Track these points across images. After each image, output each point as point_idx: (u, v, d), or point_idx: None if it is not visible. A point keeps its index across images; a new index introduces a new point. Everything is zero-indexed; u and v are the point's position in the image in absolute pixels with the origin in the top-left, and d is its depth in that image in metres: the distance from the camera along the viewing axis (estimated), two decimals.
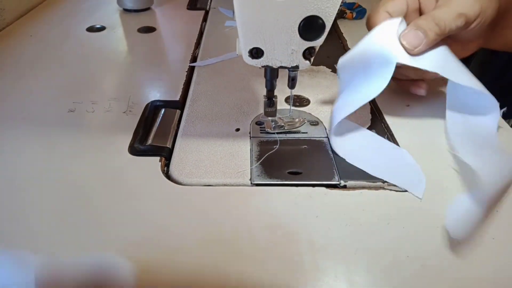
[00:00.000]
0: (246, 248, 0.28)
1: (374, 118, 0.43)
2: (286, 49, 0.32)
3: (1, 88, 0.47)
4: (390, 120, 0.42)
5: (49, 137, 0.39)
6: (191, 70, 0.52)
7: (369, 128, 0.41)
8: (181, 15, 0.70)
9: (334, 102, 0.40)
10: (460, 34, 0.37)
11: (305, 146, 0.38)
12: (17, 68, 0.51)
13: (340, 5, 0.29)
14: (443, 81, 0.39)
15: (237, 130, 0.40)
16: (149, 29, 0.63)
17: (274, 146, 0.38)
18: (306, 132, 0.40)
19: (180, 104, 0.45)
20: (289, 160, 0.36)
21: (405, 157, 0.37)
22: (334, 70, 0.52)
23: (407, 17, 0.39)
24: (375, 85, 0.36)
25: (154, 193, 0.32)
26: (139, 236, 0.29)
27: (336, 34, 0.64)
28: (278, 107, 0.38)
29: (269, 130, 0.40)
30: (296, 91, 0.46)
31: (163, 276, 0.26)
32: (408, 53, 0.36)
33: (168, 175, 0.35)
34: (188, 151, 0.37)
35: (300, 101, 0.46)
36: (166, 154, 0.37)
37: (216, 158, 0.37)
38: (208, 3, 0.76)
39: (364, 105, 0.37)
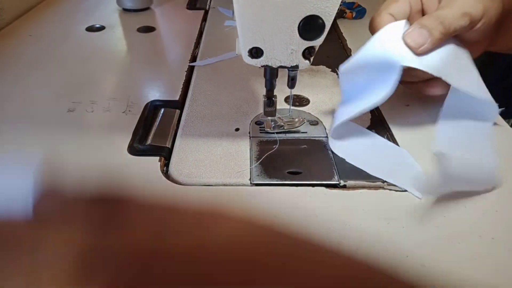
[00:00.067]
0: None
1: (374, 118, 0.43)
2: (285, 48, 0.31)
3: (0, 87, 0.47)
4: (390, 120, 0.42)
5: (48, 137, 0.39)
6: (190, 69, 0.52)
7: (369, 128, 0.41)
8: (181, 14, 0.70)
9: (337, 108, 0.40)
10: (465, 35, 0.37)
11: (305, 146, 0.38)
12: (17, 67, 0.51)
13: (340, 5, 0.29)
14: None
15: (237, 130, 0.40)
16: (148, 29, 0.63)
17: (274, 146, 0.38)
18: (306, 132, 0.40)
19: (179, 104, 0.45)
20: (289, 160, 0.36)
21: (405, 156, 0.37)
22: (334, 70, 0.52)
23: (410, 19, 0.38)
24: (381, 91, 0.35)
25: (153, 193, 0.32)
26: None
27: (336, 33, 0.64)
28: (278, 107, 0.38)
29: (268, 130, 0.40)
30: (296, 90, 0.46)
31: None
32: (413, 52, 0.35)
33: (167, 175, 0.35)
34: (188, 151, 0.37)
35: (300, 101, 0.46)
36: (165, 154, 0.37)
37: (215, 158, 0.36)
38: (208, 2, 0.76)
39: None
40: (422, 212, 0.31)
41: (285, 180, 0.34)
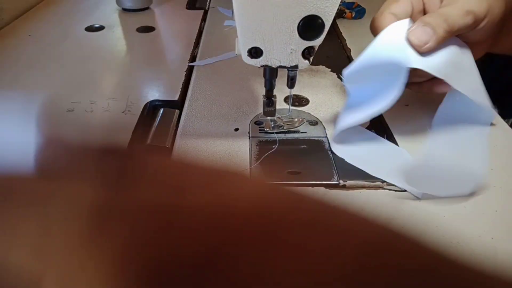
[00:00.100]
0: None
1: (373, 118, 0.43)
2: (285, 48, 0.31)
3: None
4: (389, 120, 0.42)
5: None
6: (190, 69, 0.52)
7: (368, 128, 0.41)
8: (180, 14, 0.70)
9: (340, 111, 0.40)
10: (468, 35, 0.37)
11: (304, 145, 0.38)
12: (16, 67, 0.51)
13: (339, 5, 0.29)
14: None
15: (236, 129, 0.40)
16: (148, 29, 0.63)
17: (273, 146, 0.38)
18: (305, 132, 0.40)
19: (179, 104, 0.45)
20: (288, 160, 0.36)
21: (404, 156, 0.37)
22: (334, 70, 0.52)
23: (412, 19, 0.37)
24: (388, 95, 0.34)
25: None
26: None
27: (335, 33, 0.64)
28: (277, 107, 0.38)
29: (268, 130, 0.40)
30: (295, 90, 0.46)
31: None
32: (417, 50, 0.34)
33: None
34: (187, 151, 0.37)
35: (299, 101, 0.46)
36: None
37: (215, 158, 0.36)
38: (207, 2, 0.76)
39: None
40: (422, 212, 0.31)
41: (285, 180, 0.34)
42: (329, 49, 0.58)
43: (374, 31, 0.38)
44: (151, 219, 0.11)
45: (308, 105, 0.45)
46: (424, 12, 0.39)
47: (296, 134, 0.40)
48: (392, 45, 0.35)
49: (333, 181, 0.34)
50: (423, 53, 0.34)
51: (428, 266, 0.12)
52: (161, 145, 0.38)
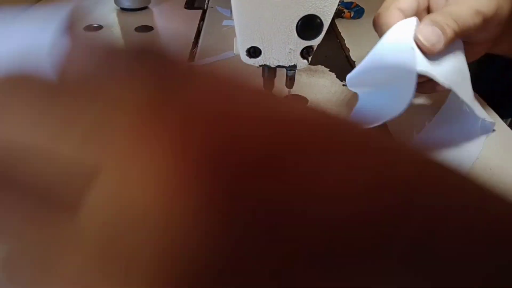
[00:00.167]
0: None
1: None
2: (284, 48, 0.31)
3: None
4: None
5: None
6: None
7: None
8: (179, 14, 0.70)
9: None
10: (472, 35, 0.35)
11: None
12: None
13: (338, 4, 0.29)
14: None
15: None
16: (146, 28, 0.63)
17: None
18: None
19: None
20: None
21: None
22: (332, 70, 0.52)
23: (417, 16, 0.36)
24: (398, 102, 0.32)
25: None
26: None
27: (334, 33, 0.63)
28: None
29: None
30: (294, 90, 0.46)
31: None
32: (425, 51, 0.32)
33: None
34: None
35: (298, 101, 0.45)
36: None
37: None
38: (206, 2, 0.76)
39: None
40: None
41: None
42: (327, 48, 0.58)
43: (379, 28, 0.36)
44: (200, 121, 0.11)
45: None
46: (429, 9, 0.38)
47: None
48: (400, 46, 0.33)
49: None
50: (431, 55, 0.32)
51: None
52: None
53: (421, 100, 0.44)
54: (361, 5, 0.69)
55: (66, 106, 0.11)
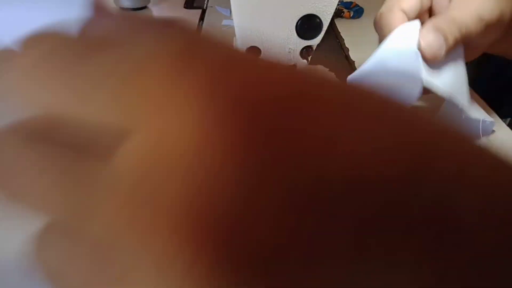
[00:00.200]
0: None
1: None
2: (283, 48, 0.31)
3: None
4: None
5: None
6: None
7: None
8: (178, 13, 0.70)
9: None
10: (474, 39, 0.34)
11: None
12: None
13: (338, 4, 0.29)
14: None
15: None
16: None
17: None
18: None
19: None
20: None
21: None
22: (331, 70, 0.52)
23: (419, 17, 0.35)
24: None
25: None
26: None
27: (334, 33, 0.63)
28: None
29: None
30: None
31: None
32: (426, 58, 0.31)
33: None
34: None
35: None
36: None
37: None
38: (205, 2, 0.76)
39: None
40: None
41: None
42: (327, 48, 0.58)
43: (381, 29, 0.35)
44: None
45: None
46: (431, 10, 0.37)
47: None
48: (404, 51, 0.32)
49: None
50: (431, 63, 0.32)
51: None
52: None
53: (418, 103, 0.44)
54: (361, 5, 0.69)
55: (97, 63, 0.11)
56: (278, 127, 0.10)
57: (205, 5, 0.74)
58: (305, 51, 0.32)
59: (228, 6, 0.67)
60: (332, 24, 0.65)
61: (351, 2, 0.69)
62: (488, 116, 0.37)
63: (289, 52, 0.32)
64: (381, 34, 0.35)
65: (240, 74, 0.11)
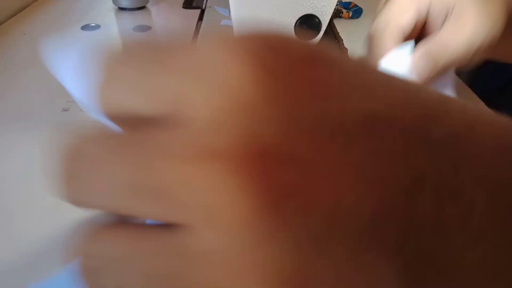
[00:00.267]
0: None
1: None
2: None
3: None
4: None
5: (42, 136, 0.38)
6: None
7: None
8: (177, 13, 0.70)
9: None
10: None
11: None
12: (11, 66, 0.51)
13: (336, 4, 0.29)
14: None
15: None
16: (144, 28, 0.63)
17: None
18: None
19: None
20: None
21: None
22: None
23: (412, 31, 0.35)
24: None
25: None
26: None
27: (332, 33, 0.63)
28: None
29: None
30: None
31: None
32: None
33: None
34: None
35: None
36: None
37: None
38: (204, 2, 0.76)
39: None
40: None
41: None
42: None
43: (375, 50, 0.35)
44: None
45: None
46: (426, 24, 0.36)
47: None
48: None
49: None
50: None
51: None
52: None
53: None
54: (360, 5, 0.69)
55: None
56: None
57: (204, 5, 0.74)
58: None
59: (227, 6, 0.67)
60: (330, 24, 0.65)
61: (350, 2, 0.69)
62: None
63: None
64: (375, 53, 0.35)
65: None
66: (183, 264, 0.10)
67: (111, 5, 0.70)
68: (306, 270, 0.09)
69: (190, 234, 0.10)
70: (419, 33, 0.36)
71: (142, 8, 0.70)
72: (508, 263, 0.11)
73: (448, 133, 0.11)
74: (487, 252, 0.11)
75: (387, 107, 0.11)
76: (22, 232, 0.29)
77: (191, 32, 0.62)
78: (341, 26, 0.65)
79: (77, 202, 0.12)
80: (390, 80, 0.12)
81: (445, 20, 0.34)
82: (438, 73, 0.32)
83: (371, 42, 0.35)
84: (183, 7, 0.73)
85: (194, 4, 0.74)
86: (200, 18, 0.69)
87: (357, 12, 0.67)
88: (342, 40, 0.60)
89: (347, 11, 0.67)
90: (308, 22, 0.30)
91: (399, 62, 0.33)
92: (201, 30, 0.64)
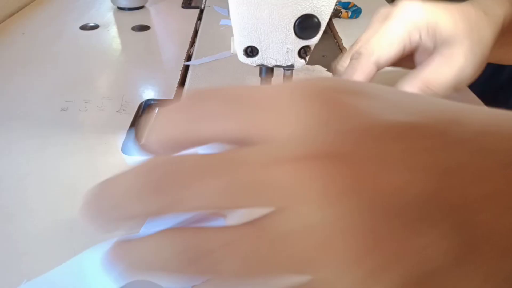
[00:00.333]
0: None
1: None
2: (281, 47, 0.31)
3: None
4: None
5: (41, 136, 0.38)
6: (185, 69, 0.52)
7: None
8: (176, 13, 0.70)
9: None
10: None
11: None
12: (9, 66, 0.51)
13: (336, 4, 0.29)
14: None
15: None
16: (143, 28, 0.63)
17: None
18: None
19: None
20: None
21: None
22: (330, 70, 0.52)
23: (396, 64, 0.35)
24: None
25: None
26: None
27: (332, 33, 0.63)
28: None
29: None
30: None
31: None
32: None
33: None
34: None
35: None
36: None
37: None
38: (203, 1, 0.75)
39: None
40: None
41: None
42: (325, 48, 0.58)
43: (347, 72, 0.35)
44: None
45: None
46: (416, 51, 0.36)
47: None
48: None
49: None
50: None
51: None
52: None
53: None
54: (359, 5, 0.69)
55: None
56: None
57: (203, 4, 0.74)
58: (303, 51, 0.32)
59: (225, 6, 0.67)
60: (330, 24, 0.65)
61: (349, 2, 0.69)
62: None
63: (287, 52, 0.31)
64: (347, 74, 0.35)
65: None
66: (281, 239, 0.13)
67: (109, 5, 0.70)
68: (375, 233, 0.12)
69: (286, 214, 0.13)
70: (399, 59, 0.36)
71: (140, 7, 0.70)
72: None
73: (474, 131, 0.13)
74: None
75: (421, 118, 0.14)
76: (20, 231, 0.29)
77: (190, 31, 0.62)
78: (340, 26, 0.65)
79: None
80: (416, 98, 0.15)
81: (432, 51, 0.34)
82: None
83: (348, 63, 0.36)
84: (182, 7, 0.73)
85: (193, 4, 0.74)
86: (199, 18, 0.69)
87: (356, 12, 0.68)
88: (341, 40, 0.60)
89: (346, 11, 0.68)
90: (307, 22, 0.30)
91: None
92: (200, 30, 0.64)
